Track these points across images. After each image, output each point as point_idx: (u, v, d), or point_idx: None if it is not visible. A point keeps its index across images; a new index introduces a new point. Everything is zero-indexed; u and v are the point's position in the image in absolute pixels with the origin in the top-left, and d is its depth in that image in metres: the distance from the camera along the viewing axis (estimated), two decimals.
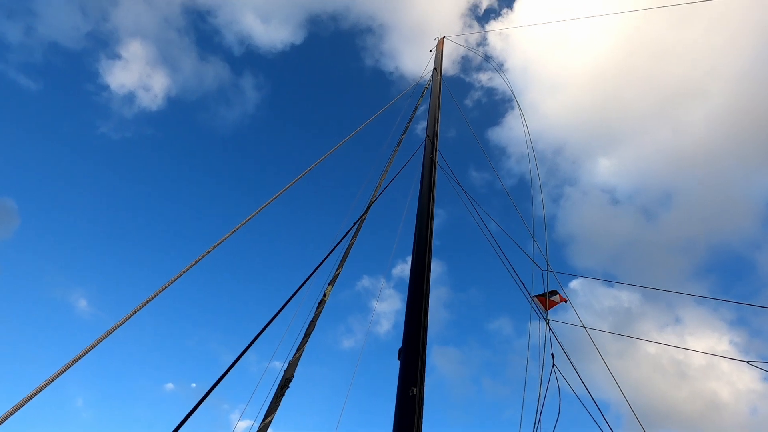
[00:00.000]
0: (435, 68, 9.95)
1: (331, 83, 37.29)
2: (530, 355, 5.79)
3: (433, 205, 5.47)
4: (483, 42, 32.01)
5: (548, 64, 32.66)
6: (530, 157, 9.39)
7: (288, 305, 4.87)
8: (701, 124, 29.84)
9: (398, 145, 8.47)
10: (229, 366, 3.92)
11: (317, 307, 4.89)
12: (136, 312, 3.53)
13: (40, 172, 27.90)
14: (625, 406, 5.53)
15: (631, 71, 32.03)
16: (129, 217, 30.41)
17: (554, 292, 5.97)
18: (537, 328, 5.67)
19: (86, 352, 3.15)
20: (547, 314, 5.68)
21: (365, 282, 29.33)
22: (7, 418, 2.47)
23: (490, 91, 34.06)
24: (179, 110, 32.97)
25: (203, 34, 33.32)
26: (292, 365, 4.33)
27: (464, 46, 15.35)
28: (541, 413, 4.79)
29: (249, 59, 34.13)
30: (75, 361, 2.98)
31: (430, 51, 11.59)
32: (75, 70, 30.13)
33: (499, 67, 32.50)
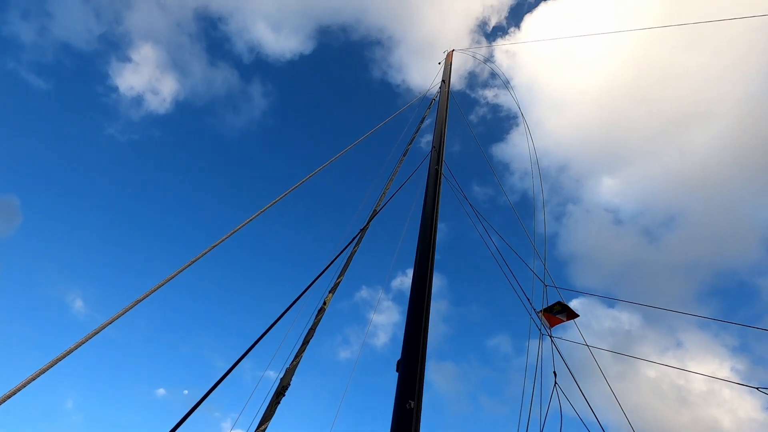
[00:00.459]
0: (443, 80, 9.99)
1: (338, 93, 37.64)
2: (530, 374, 5.67)
3: (437, 215, 5.41)
4: (490, 59, 32.23)
5: (554, 82, 32.86)
6: (534, 173, 9.36)
7: (286, 315, 4.81)
8: (706, 146, 29.83)
9: (404, 155, 8.45)
10: (225, 372, 3.84)
11: (317, 315, 4.81)
12: (124, 312, 3.47)
13: (45, 170, 28.13)
14: (624, 429, 5.38)
15: (638, 92, 32.17)
16: (131, 218, 30.53)
17: (560, 308, 5.84)
18: (538, 345, 5.56)
19: (69, 352, 3.08)
20: (550, 330, 5.57)
21: (364, 293, 29.17)
22: None
23: (495, 108, 34.24)
24: (187, 114, 33.31)
25: (214, 40, 33.79)
26: (289, 373, 4.24)
27: (474, 57, 15.44)
28: None
29: (258, 67, 34.56)
30: (59, 359, 2.91)
31: (439, 63, 11.67)
32: (85, 71, 30.58)
33: (506, 83, 32.64)
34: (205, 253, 4.75)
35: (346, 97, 37.73)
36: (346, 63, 37.59)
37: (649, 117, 31.76)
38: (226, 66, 33.91)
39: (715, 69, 29.28)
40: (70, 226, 28.95)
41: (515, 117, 33.39)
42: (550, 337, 5.43)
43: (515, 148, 31.86)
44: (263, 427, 3.69)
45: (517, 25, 36.12)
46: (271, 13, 34.90)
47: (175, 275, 4.29)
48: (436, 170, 6.96)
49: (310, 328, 4.56)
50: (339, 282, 5.79)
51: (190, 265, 4.50)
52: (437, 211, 5.49)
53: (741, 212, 28.92)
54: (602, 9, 32.75)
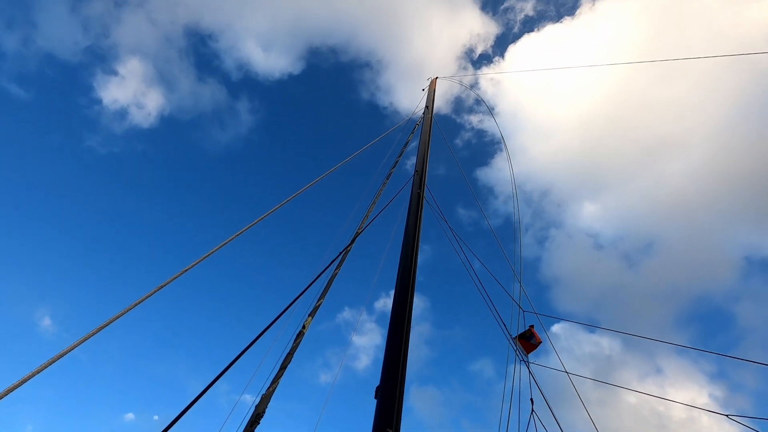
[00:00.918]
0: (427, 106, 10.20)
1: (325, 113, 37.97)
2: (509, 399, 5.67)
3: (418, 240, 5.46)
4: (475, 85, 33.07)
5: (537, 110, 33.83)
6: (514, 200, 9.54)
7: (264, 335, 4.74)
8: (682, 175, 30.87)
9: (387, 178, 8.54)
10: (195, 398, 3.75)
11: (295, 339, 4.75)
12: (95, 333, 3.40)
13: (14, 181, 27.32)
14: None
15: (617, 121, 33.31)
16: (105, 233, 29.78)
17: (530, 334, 5.89)
18: (517, 370, 5.59)
19: (35, 374, 2.99)
20: (527, 357, 5.61)
21: (346, 314, 28.82)
22: None
23: (480, 133, 34.94)
24: (172, 129, 33.07)
25: (203, 56, 33.91)
26: (265, 399, 4.16)
27: (457, 83, 15.83)
28: None
29: (246, 84, 34.71)
30: (23, 381, 2.82)
31: (423, 90, 11.94)
32: (68, 82, 30.23)
33: (490, 110, 33.44)
34: (184, 272, 4.68)
35: (333, 117, 38.11)
36: (334, 84, 38.09)
37: (627, 145, 32.86)
38: (214, 81, 33.98)
39: (688, 102, 30.60)
40: (42, 239, 28.07)
41: (499, 142, 34.14)
42: (527, 363, 5.46)
43: (499, 172, 32.46)
44: None
45: (502, 54, 37.25)
46: (262, 32, 35.33)
47: (152, 294, 4.21)
48: (419, 194, 7.05)
49: (288, 353, 4.50)
50: (319, 305, 5.74)
51: (168, 283, 4.43)
52: (418, 237, 5.55)
53: (716, 239, 29.85)
54: (583, 41, 34.10)
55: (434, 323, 31.12)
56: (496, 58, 37.15)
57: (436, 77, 12.37)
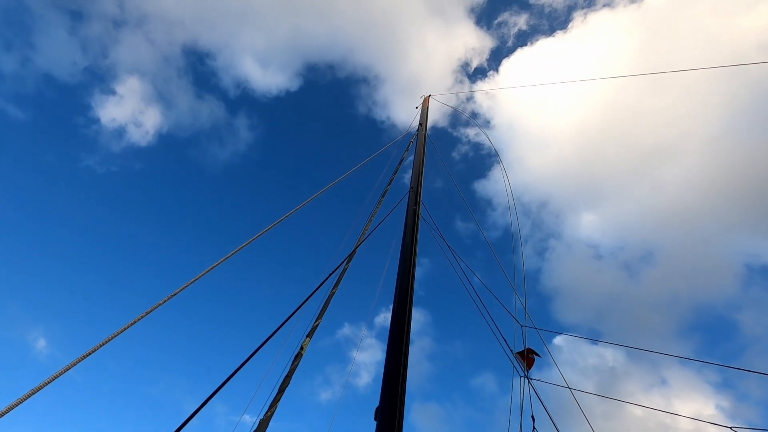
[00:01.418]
0: (420, 124, 10.32)
1: (323, 129, 38.26)
2: (513, 416, 5.60)
3: (415, 257, 5.47)
4: (471, 98, 33.51)
5: (533, 121, 34.21)
6: (513, 214, 9.58)
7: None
8: (678, 183, 31.08)
9: (383, 195, 8.59)
10: (187, 418, 3.68)
11: (293, 361, 4.72)
12: (90, 354, 3.37)
13: (13, 202, 27.25)
14: None
15: (611, 131, 33.68)
16: (103, 253, 29.61)
17: (531, 350, 5.86)
18: (517, 387, 5.53)
19: (29, 396, 2.95)
20: (528, 372, 5.56)
21: (346, 330, 28.55)
22: None
23: (477, 146, 35.21)
24: (170, 146, 33.20)
25: (201, 74, 34.28)
26: (264, 424, 4.11)
27: (449, 106, 16.02)
28: None
29: (244, 101, 35.04)
30: (18, 403, 2.78)
31: (416, 108, 12.09)
32: (66, 102, 30.42)
33: (485, 124, 33.83)
34: (182, 290, 4.65)
35: (331, 132, 38.39)
36: (332, 99, 38.47)
37: (622, 155, 33.15)
38: (213, 99, 34.27)
39: (679, 112, 30.98)
40: (38, 260, 27.84)
41: (497, 154, 34.32)
42: (528, 378, 5.41)
43: (496, 184, 32.63)
44: None
45: (496, 67, 37.81)
46: (260, 50, 35.84)
47: (150, 312, 4.18)
48: (414, 210, 7.08)
49: (286, 375, 4.46)
50: (317, 325, 5.70)
51: (166, 300, 4.40)
52: (415, 253, 5.55)
53: (715, 247, 29.86)
54: (576, 54, 34.69)
55: (435, 338, 30.85)
56: (491, 72, 37.72)
57: (428, 96, 12.55)
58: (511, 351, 5.69)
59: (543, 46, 36.49)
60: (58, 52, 28.99)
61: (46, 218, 28.62)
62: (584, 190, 34.86)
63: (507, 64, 37.07)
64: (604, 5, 35.29)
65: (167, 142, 32.66)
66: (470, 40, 37.25)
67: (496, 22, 37.65)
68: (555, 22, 36.56)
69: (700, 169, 30.22)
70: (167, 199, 33.01)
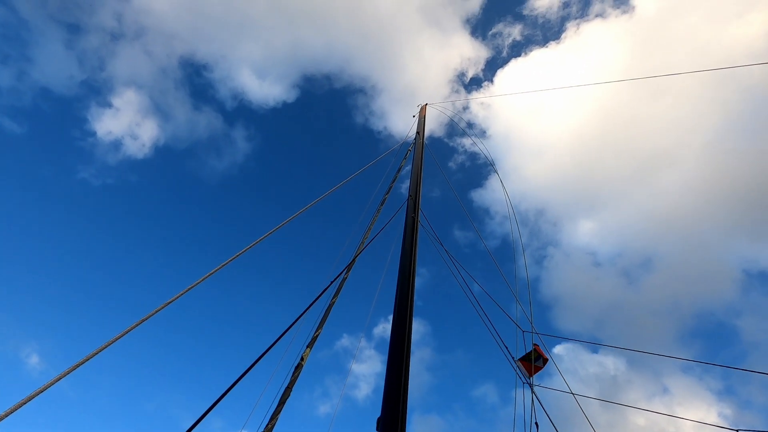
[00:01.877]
0: (418, 132, 10.36)
1: (320, 139, 38.42)
2: (517, 425, 5.53)
3: (414, 265, 5.45)
4: (467, 108, 33.73)
5: (529, 130, 34.42)
6: (512, 223, 9.58)
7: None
8: (675, 189, 31.16)
9: (381, 204, 8.58)
10: None
11: (293, 372, 4.67)
12: (80, 364, 3.32)
13: (8, 215, 27.12)
14: None
15: (608, 137, 33.89)
16: (99, 267, 29.40)
17: (537, 355, 5.80)
18: (520, 394, 5.47)
19: (18, 407, 2.90)
20: (531, 379, 5.51)
21: (344, 341, 28.32)
22: None
23: (474, 155, 35.35)
24: (167, 158, 33.23)
25: (198, 87, 34.47)
26: None
27: (446, 114, 16.10)
28: None
29: (242, 112, 35.22)
30: (6, 414, 2.73)
31: (414, 116, 12.16)
32: (63, 116, 30.50)
33: (482, 134, 33.99)
34: (175, 299, 4.60)
35: (328, 142, 38.52)
36: (329, 109, 38.69)
37: (620, 161, 33.30)
38: (210, 110, 34.40)
39: (675, 118, 31.20)
40: (31, 275, 27.61)
41: (493, 163, 34.40)
42: (531, 385, 5.36)
43: (494, 193, 32.68)
44: None
45: (492, 77, 38.15)
46: (257, 62, 36.10)
47: (141, 322, 4.14)
48: (413, 219, 7.07)
49: (287, 387, 4.41)
50: (317, 335, 5.65)
51: (159, 310, 4.36)
52: (415, 261, 5.53)
53: (713, 253, 29.85)
54: (570, 63, 35.04)
55: (436, 348, 30.63)
56: (486, 82, 38.04)
57: (426, 104, 12.63)
58: (513, 358, 5.64)
59: (537, 56, 36.91)
60: (54, 66, 29.17)
61: (42, 231, 28.53)
62: (581, 198, 34.96)
63: (502, 74, 37.45)
64: (596, 16, 35.79)
65: (164, 154, 32.71)
66: (466, 51, 37.65)
67: (491, 32, 38.09)
68: (549, 33, 37.02)
69: (697, 174, 30.37)
70: (163, 212, 32.99)
